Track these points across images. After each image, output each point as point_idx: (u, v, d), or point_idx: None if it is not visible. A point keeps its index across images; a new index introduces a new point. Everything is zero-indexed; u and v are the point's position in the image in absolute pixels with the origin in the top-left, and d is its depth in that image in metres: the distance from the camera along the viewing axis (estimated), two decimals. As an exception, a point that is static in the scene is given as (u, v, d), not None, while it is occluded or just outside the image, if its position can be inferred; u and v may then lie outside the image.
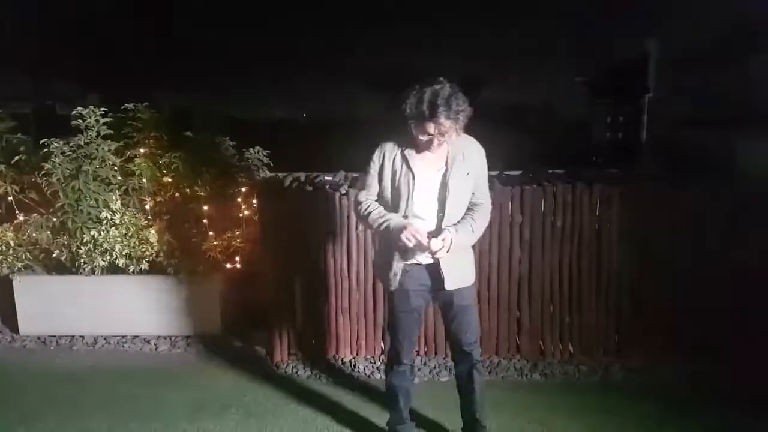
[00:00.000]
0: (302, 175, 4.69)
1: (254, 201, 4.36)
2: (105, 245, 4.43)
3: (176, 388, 3.79)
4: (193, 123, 5.49)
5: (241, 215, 4.60)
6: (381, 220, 2.71)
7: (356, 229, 3.98)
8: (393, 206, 2.73)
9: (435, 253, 2.61)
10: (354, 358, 4.11)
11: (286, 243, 3.99)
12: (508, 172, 4.45)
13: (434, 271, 2.75)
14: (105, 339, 4.52)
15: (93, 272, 4.55)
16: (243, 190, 4.64)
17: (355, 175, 4.54)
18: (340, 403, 3.57)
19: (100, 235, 4.41)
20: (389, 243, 2.75)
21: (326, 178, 4.50)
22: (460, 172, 2.68)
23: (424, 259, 2.75)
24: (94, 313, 4.54)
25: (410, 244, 2.60)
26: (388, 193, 2.74)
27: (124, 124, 4.66)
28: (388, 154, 2.72)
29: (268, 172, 4.82)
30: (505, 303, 4.04)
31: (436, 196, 2.69)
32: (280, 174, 4.79)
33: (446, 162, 2.69)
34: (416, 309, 2.86)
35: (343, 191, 3.99)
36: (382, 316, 4.08)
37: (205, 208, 4.49)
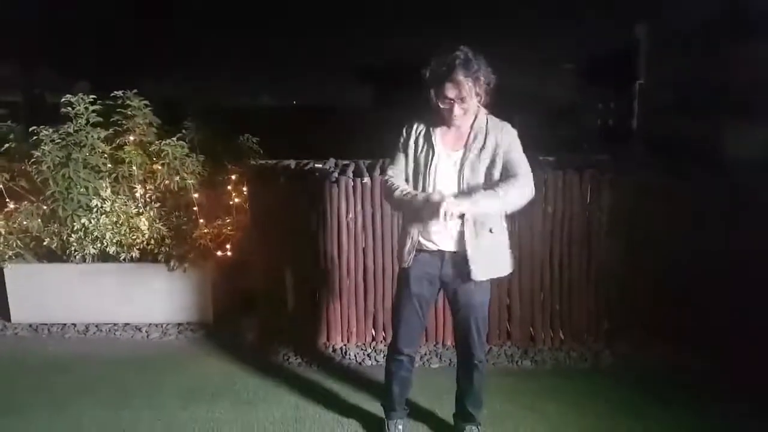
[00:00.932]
0: (292, 163, 4.69)
1: (245, 188, 4.35)
2: (95, 233, 4.42)
3: (168, 375, 3.80)
4: (182, 110, 5.45)
5: (231, 203, 4.59)
6: (405, 191, 2.64)
7: (346, 216, 3.98)
8: (413, 182, 2.69)
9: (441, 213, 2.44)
10: (345, 345, 4.14)
11: (276, 230, 4.00)
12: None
13: (459, 259, 2.66)
14: (97, 327, 4.53)
15: (84, 260, 4.54)
16: (233, 177, 4.63)
17: (345, 162, 4.56)
18: (331, 390, 3.59)
19: (90, 222, 4.40)
20: (409, 218, 2.72)
21: (316, 165, 4.50)
22: (482, 153, 2.60)
23: (445, 245, 2.67)
24: (85, 301, 4.55)
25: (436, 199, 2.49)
26: (410, 169, 2.71)
27: (113, 111, 4.63)
28: (414, 129, 2.70)
29: (258, 159, 4.81)
30: (495, 290, 4.07)
31: (456, 176, 2.62)
32: (270, 161, 4.79)
33: (466, 142, 2.62)
34: (416, 296, 2.77)
35: (333, 178, 4.00)
36: (373, 303, 4.10)
37: (196, 195, 4.48)
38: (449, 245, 2.68)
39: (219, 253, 4.54)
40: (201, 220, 4.52)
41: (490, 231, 2.65)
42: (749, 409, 3.29)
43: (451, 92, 2.51)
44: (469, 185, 2.60)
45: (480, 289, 2.74)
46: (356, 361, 3.96)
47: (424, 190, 2.64)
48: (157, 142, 4.57)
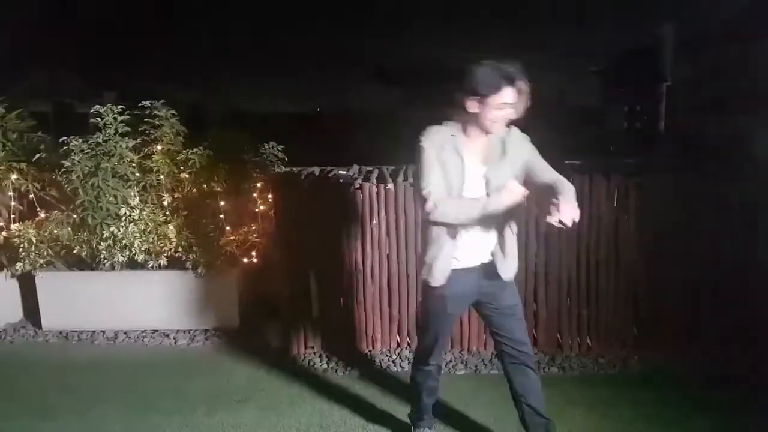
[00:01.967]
0: (316, 170, 4.71)
1: (269, 196, 4.38)
2: (124, 241, 4.49)
3: (195, 381, 3.84)
4: (208, 119, 5.52)
5: (257, 210, 4.63)
6: (475, 205, 2.53)
7: (370, 222, 3.99)
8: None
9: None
10: (370, 351, 4.13)
11: (301, 237, 4.01)
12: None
13: (491, 266, 2.64)
14: (125, 333, 4.60)
15: (113, 268, 4.62)
16: (258, 185, 4.66)
17: (369, 168, 4.57)
18: (357, 395, 3.59)
19: (119, 231, 4.47)
20: (440, 236, 2.58)
21: (340, 172, 4.51)
22: (507, 163, 2.56)
23: (482, 257, 2.65)
24: (114, 308, 4.62)
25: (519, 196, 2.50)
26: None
27: (141, 121, 4.71)
28: (439, 141, 2.55)
29: (283, 167, 4.84)
30: (522, 296, 4.03)
31: (484, 189, 2.56)
32: (294, 168, 4.82)
33: (490, 154, 2.58)
34: (452, 315, 2.78)
35: (357, 185, 4.00)
36: (397, 309, 4.09)
37: (222, 203, 4.53)
38: (485, 257, 2.65)
39: (245, 259, 4.58)
40: (227, 228, 4.56)
41: (512, 230, 2.67)
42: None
43: (510, 97, 2.46)
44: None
45: (514, 288, 2.76)
46: (381, 366, 3.96)
47: None
48: (184, 151, 4.63)
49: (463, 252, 2.62)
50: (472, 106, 2.48)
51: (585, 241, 3.94)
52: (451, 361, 3.98)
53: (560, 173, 2.62)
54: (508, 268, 2.67)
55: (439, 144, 2.54)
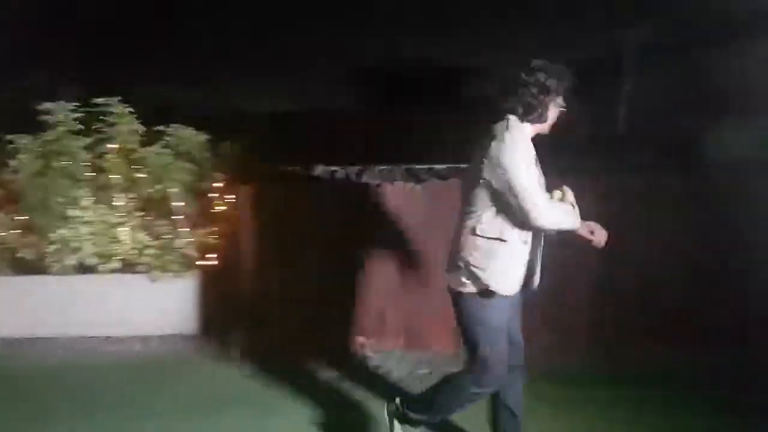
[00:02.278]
0: (297, 169, 4.61)
1: (229, 196, 4.25)
2: (74, 244, 4.31)
3: (150, 389, 3.67)
4: (171, 117, 5.35)
5: (216, 210, 4.49)
6: (573, 213, 2.54)
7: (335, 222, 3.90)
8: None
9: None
10: (333, 353, 4.04)
11: (266, 238, 3.91)
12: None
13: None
14: (76, 340, 4.40)
15: (63, 272, 4.42)
16: (218, 185, 4.52)
17: (333, 169, 4.50)
18: (322, 398, 3.48)
19: (69, 233, 4.29)
20: (513, 243, 2.46)
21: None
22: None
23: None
24: (64, 314, 4.43)
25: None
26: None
27: (95, 119, 4.52)
28: (527, 142, 2.49)
29: (243, 166, 4.71)
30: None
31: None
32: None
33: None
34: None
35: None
36: (374, 308, 4.01)
37: (179, 204, 4.37)
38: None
39: (203, 262, 4.44)
40: (185, 229, 4.40)
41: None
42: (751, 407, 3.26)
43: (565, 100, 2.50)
44: None
45: None
46: (352, 367, 3.86)
47: None
48: (140, 149, 4.46)
49: (525, 261, 2.53)
50: (548, 104, 2.45)
51: (547, 241, 3.91)
52: (413, 361, 3.92)
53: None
54: (538, 278, 2.66)
55: (527, 143, 2.47)
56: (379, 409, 3.21)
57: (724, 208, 3.85)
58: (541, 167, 2.56)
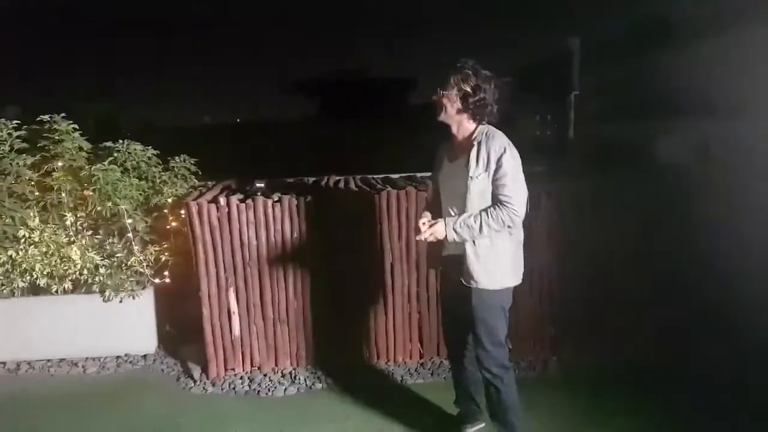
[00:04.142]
0: (233, 183, 4.58)
1: (182, 212, 4.19)
2: (24, 265, 4.19)
3: (106, 413, 3.60)
4: (116, 132, 5.24)
5: (168, 227, 4.42)
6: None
7: (291, 236, 3.90)
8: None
9: (417, 235, 2.76)
10: (294, 369, 4.03)
11: (219, 253, 3.88)
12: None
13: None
14: (29, 364, 4.29)
15: (13, 294, 4.29)
16: (170, 201, 4.46)
17: (289, 180, 4.48)
18: (281, 418, 3.48)
19: (18, 254, 4.17)
20: (518, 238, 2.84)
21: (258, 184, 4.40)
22: (474, 167, 2.68)
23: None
24: (15, 338, 4.28)
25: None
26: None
27: (40, 136, 4.40)
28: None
29: (196, 180, 4.67)
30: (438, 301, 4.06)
31: (459, 191, 2.73)
32: (209, 183, 4.66)
33: (468, 156, 2.71)
34: None
35: (276, 198, 3.91)
36: (327, 326, 4.02)
37: (130, 221, 4.29)
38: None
39: (157, 280, 4.37)
40: (136, 247, 4.33)
41: None
42: (692, 400, 3.41)
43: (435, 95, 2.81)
44: (465, 198, 2.79)
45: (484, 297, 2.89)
46: (306, 385, 3.86)
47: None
48: (87, 167, 4.37)
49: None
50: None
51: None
52: (377, 373, 3.94)
53: None
54: (467, 276, 2.85)
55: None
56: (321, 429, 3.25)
57: (666, 209, 4.02)
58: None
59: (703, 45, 4.73)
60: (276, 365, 4.04)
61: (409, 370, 3.99)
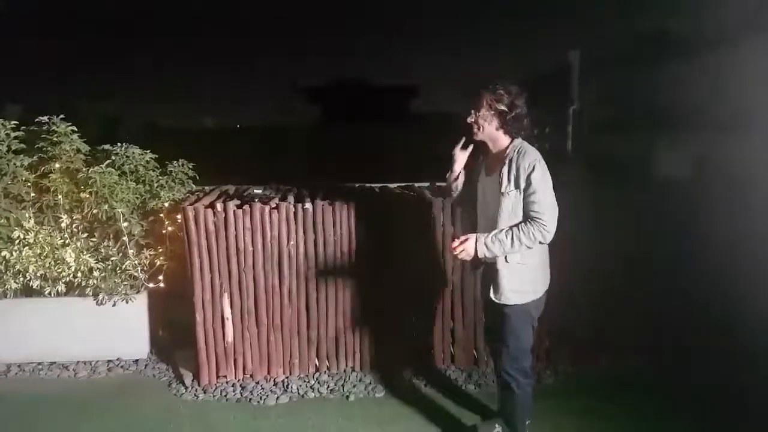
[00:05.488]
0: (231, 188, 4.57)
1: (178, 216, 4.18)
2: (18, 266, 4.16)
3: (95, 417, 3.57)
4: (114, 135, 5.21)
5: (164, 231, 4.40)
6: None
7: (287, 243, 3.88)
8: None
9: (452, 251, 2.79)
10: (287, 377, 4.00)
11: (214, 260, 3.86)
12: (438, 183, 4.50)
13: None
14: (19, 366, 4.25)
15: (5, 295, 4.26)
16: (167, 205, 4.44)
17: (287, 187, 4.48)
18: (272, 427, 3.45)
19: (12, 255, 4.14)
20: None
21: (255, 190, 4.39)
22: (506, 183, 2.75)
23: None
24: (6, 339, 4.25)
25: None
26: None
27: (38, 137, 4.38)
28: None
29: (193, 185, 4.65)
30: (440, 313, 4.04)
31: (492, 204, 2.82)
32: (206, 187, 4.64)
33: (500, 172, 2.77)
34: None
35: (273, 204, 3.90)
36: (316, 332, 4.00)
37: (126, 224, 4.27)
38: None
39: (151, 284, 4.34)
40: (131, 251, 4.30)
41: None
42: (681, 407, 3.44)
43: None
44: (497, 212, 2.87)
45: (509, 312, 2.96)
46: (299, 393, 3.83)
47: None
48: (84, 169, 4.35)
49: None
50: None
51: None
52: (371, 383, 3.92)
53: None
54: (495, 292, 2.92)
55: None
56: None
57: (658, 221, 4.03)
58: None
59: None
60: (268, 373, 4.01)
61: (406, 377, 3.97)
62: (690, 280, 3.91)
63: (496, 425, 3.19)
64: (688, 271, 3.93)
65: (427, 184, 4.64)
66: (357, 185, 4.71)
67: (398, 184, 4.75)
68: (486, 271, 2.91)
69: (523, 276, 2.81)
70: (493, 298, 2.85)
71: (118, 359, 4.30)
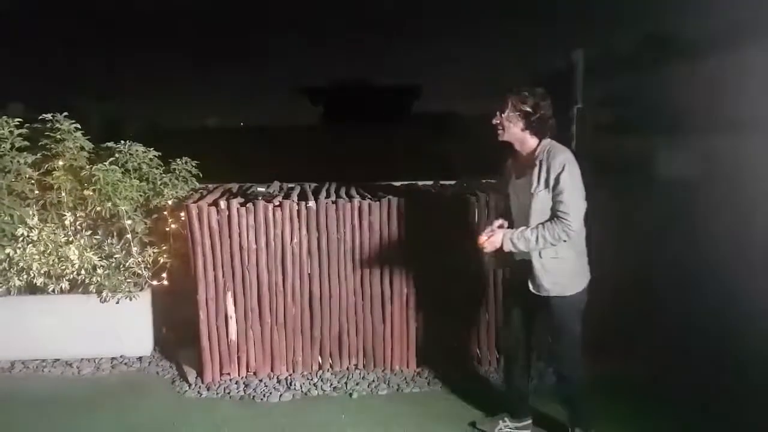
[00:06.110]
0: (234, 186, 4.56)
1: (182, 214, 4.18)
2: (21, 264, 4.17)
3: (99, 415, 3.57)
4: (120, 132, 5.21)
5: (167, 229, 4.40)
6: None
7: (290, 241, 3.88)
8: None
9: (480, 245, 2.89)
10: (290, 375, 4.00)
11: (216, 256, 3.86)
12: (442, 182, 4.50)
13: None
14: (23, 363, 4.26)
15: (9, 292, 4.26)
16: (170, 203, 4.44)
17: (290, 185, 4.48)
18: (276, 424, 3.45)
19: (15, 253, 4.15)
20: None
21: (259, 189, 4.39)
22: (536, 184, 2.80)
23: None
24: (10, 336, 4.26)
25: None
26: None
27: (41, 135, 4.38)
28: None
29: (197, 183, 4.65)
30: (440, 313, 4.04)
31: (524, 206, 2.87)
32: (209, 185, 4.64)
33: (531, 174, 2.83)
34: None
35: (277, 202, 3.90)
36: (319, 329, 3.99)
37: (129, 222, 4.27)
38: None
39: (155, 282, 4.35)
40: (135, 248, 4.31)
41: None
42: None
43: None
44: (529, 211, 2.91)
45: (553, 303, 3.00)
46: (302, 391, 3.83)
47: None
48: (88, 166, 4.35)
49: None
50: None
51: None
52: (374, 381, 3.92)
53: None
54: (534, 284, 2.97)
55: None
56: None
57: (661, 223, 4.02)
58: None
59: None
60: (272, 371, 4.01)
61: (405, 378, 3.96)
62: (697, 283, 3.88)
63: (500, 421, 3.23)
64: (695, 272, 3.90)
65: (431, 183, 4.64)
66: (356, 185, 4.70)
67: (400, 183, 4.74)
68: (522, 267, 2.94)
69: (561, 268, 2.85)
70: (534, 291, 2.89)
71: (121, 357, 4.31)
